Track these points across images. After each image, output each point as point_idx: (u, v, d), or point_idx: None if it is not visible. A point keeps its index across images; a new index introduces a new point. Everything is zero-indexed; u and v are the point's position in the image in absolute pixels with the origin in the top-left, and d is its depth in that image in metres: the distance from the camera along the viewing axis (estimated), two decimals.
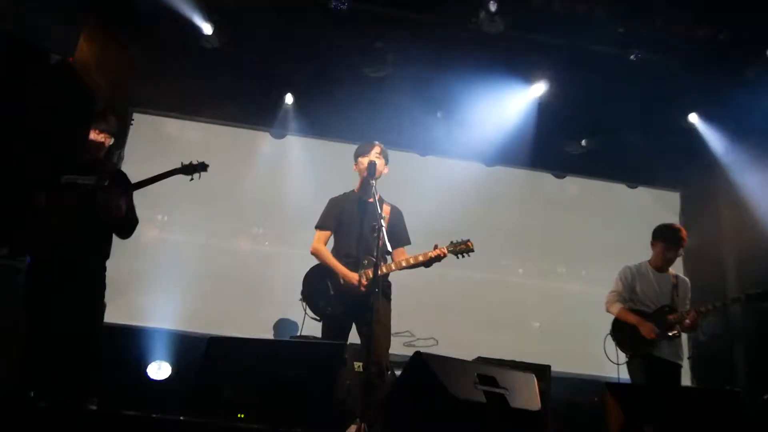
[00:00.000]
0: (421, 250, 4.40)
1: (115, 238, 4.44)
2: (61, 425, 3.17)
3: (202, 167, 4.41)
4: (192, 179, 4.39)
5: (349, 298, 4.25)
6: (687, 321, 4.93)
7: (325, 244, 4.53)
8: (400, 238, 4.52)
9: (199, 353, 4.68)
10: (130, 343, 6.36)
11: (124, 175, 4.49)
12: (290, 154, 7.81)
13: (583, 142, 7.83)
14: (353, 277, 4.27)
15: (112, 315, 6.68)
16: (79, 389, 4.09)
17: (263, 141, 7.84)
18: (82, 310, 4.17)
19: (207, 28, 6.58)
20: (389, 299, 4.42)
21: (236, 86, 7.30)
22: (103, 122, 4.45)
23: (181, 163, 4.38)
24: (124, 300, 6.74)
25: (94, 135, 4.40)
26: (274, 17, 6.59)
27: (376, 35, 6.78)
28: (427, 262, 4.35)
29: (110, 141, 4.50)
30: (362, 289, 4.22)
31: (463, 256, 4.41)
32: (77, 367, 4.12)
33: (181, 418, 3.26)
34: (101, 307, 4.34)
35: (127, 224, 4.38)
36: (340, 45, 6.91)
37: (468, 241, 4.42)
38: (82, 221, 4.15)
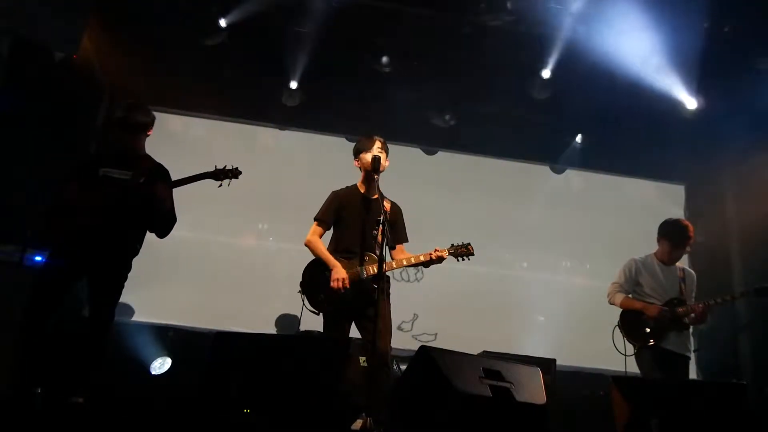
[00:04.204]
0: (424, 244, 4.39)
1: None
2: (47, 418, 3.18)
3: (234, 173, 4.31)
4: (220, 185, 4.29)
5: (348, 293, 4.22)
6: (693, 315, 4.92)
7: (320, 237, 4.44)
8: (399, 235, 4.51)
9: (201, 348, 4.69)
10: (133, 339, 6.37)
11: (165, 172, 4.32)
12: (294, 150, 7.82)
13: (577, 138, 7.84)
14: (339, 273, 4.21)
15: (116, 311, 6.73)
16: (68, 382, 3.97)
17: (267, 136, 7.85)
18: (98, 306, 4.07)
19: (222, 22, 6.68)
20: (388, 295, 4.37)
21: (240, 82, 7.31)
22: (139, 113, 4.21)
23: (215, 166, 4.27)
24: (127, 296, 6.73)
25: (127, 129, 4.18)
26: (277, 12, 6.60)
27: (381, 30, 6.78)
28: (427, 263, 4.35)
29: (146, 133, 4.28)
30: (340, 289, 4.17)
31: (463, 259, 4.41)
32: (73, 361, 4.01)
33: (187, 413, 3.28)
34: (115, 306, 4.17)
35: (171, 219, 4.26)
36: (345, 40, 6.90)
37: (468, 244, 4.40)
38: (112, 216, 4.02)
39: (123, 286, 4.21)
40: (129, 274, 4.23)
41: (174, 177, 4.29)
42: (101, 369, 4.09)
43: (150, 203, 4.10)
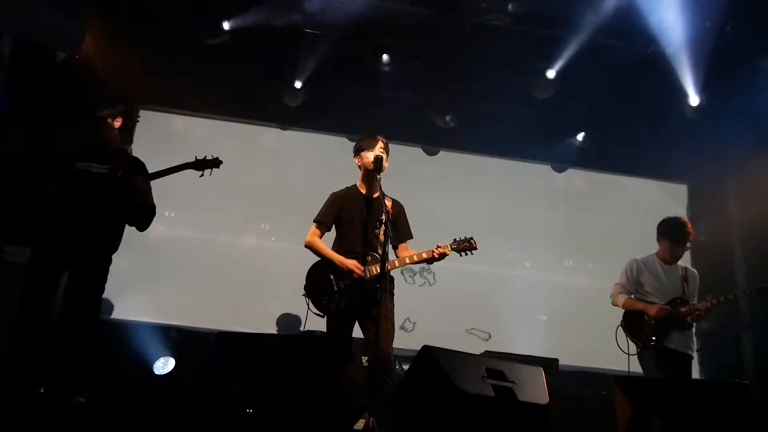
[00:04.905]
0: (426, 244, 4.36)
1: (125, 235, 4.32)
2: (50, 418, 3.18)
3: (214, 163, 4.28)
4: (202, 175, 4.27)
5: (352, 294, 4.21)
6: (697, 313, 4.91)
7: (320, 238, 4.43)
8: (402, 233, 4.49)
9: (204, 348, 4.70)
10: (136, 339, 6.39)
11: (141, 165, 4.35)
12: (296, 150, 7.83)
13: (579, 137, 7.84)
14: (350, 263, 4.21)
15: (119, 311, 6.75)
16: (68, 382, 3.97)
17: (269, 136, 7.86)
18: (81, 301, 4.04)
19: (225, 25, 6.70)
20: (392, 295, 4.36)
21: (242, 82, 7.31)
22: (103, 105, 4.33)
23: (195, 157, 4.26)
24: (130, 296, 6.77)
25: (94, 122, 4.29)
26: (280, 12, 6.60)
27: (382, 30, 6.77)
28: (430, 260, 4.31)
29: (118, 123, 4.36)
30: (359, 273, 4.18)
31: (466, 254, 4.38)
32: (69, 360, 3.98)
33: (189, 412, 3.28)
34: (99, 300, 4.17)
35: (151, 212, 4.26)
36: (347, 40, 6.90)
37: (471, 239, 4.37)
38: (92, 211, 4.02)
39: (105, 280, 4.19)
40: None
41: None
42: (93, 367, 4.07)
43: (130, 196, 4.10)
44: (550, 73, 7.05)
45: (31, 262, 4.10)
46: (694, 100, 7.00)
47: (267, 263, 7.36)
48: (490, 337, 7.29)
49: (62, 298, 4.21)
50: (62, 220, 4.00)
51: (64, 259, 4.03)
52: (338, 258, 4.27)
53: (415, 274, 7.48)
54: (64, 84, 6.26)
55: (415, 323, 7.20)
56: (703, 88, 6.94)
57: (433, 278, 7.49)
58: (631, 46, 6.58)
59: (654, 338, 4.92)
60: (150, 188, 4.23)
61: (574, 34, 6.59)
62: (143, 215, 4.25)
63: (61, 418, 3.41)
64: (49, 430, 3.11)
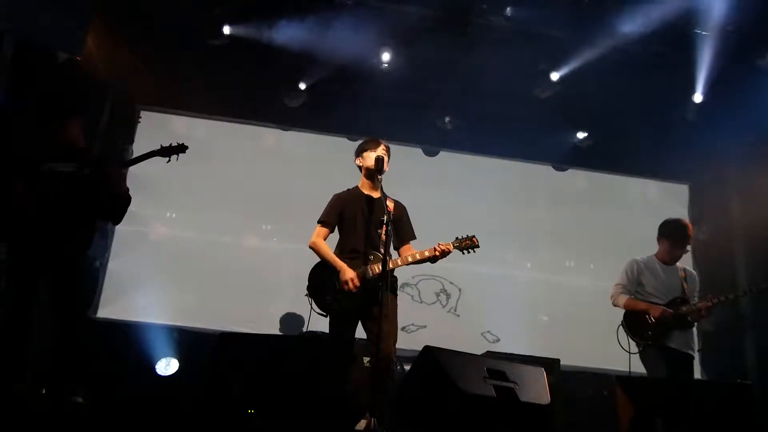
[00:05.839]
0: (427, 245, 4.36)
1: (116, 237, 4.28)
2: (48, 419, 3.18)
3: (180, 149, 4.30)
4: (168, 161, 4.28)
5: (355, 293, 4.21)
6: (698, 312, 4.92)
7: (325, 239, 4.46)
8: (405, 233, 4.50)
9: (207, 349, 4.70)
10: (138, 340, 6.39)
11: (107, 158, 4.37)
12: (297, 151, 7.83)
13: (579, 135, 7.83)
14: (347, 275, 4.20)
15: (120, 312, 6.75)
16: (62, 382, 3.95)
17: (270, 137, 7.86)
18: (61, 300, 4.01)
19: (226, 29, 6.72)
20: (396, 294, 4.39)
21: (243, 83, 7.31)
22: (58, 105, 4.33)
23: (161, 145, 4.27)
24: (133, 296, 6.77)
25: (55, 122, 4.23)
26: (279, 12, 6.60)
27: (382, 30, 6.77)
28: (433, 258, 4.30)
29: (80, 119, 4.33)
30: (351, 289, 4.18)
31: (468, 252, 4.37)
32: (59, 359, 3.95)
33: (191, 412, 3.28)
34: (83, 298, 4.18)
35: (126, 201, 4.23)
36: (347, 40, 6.90)
37: (473, 237, 4.36)
38: (61, 210, 4.00)
39: (84, 278, 4.20)
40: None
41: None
42: (92, 367, 4.04)
43: (104, 187, 4.08)
44: (554, 76, 7.04)
45: (8, 266, 4.04)
46: (698, 97, 6.99)
47: (269, 264, 7.36)
48: (498, 340, 7.28)
49: (43, 299, 4.17)
50: (33, 222, 3.97)
51: (40, 261, 3.99)
52: (339, 264, 4.28)
53: (439, 300, 7.49)
54: (66, 84, 6.26)
55: (422, 326, 7.18)
56: (706, 88, 6.94)
57: (448, 302, 7.48)
58: (633, 45, 6.57)
59: (655, 337, 4.92)
60: (124, 177, 4.22)
61: (577, 35, 6.59)
62: (119, 204, 4.22)
63: (61, 418, 3.40)
64: (49, 430, 3.11)
